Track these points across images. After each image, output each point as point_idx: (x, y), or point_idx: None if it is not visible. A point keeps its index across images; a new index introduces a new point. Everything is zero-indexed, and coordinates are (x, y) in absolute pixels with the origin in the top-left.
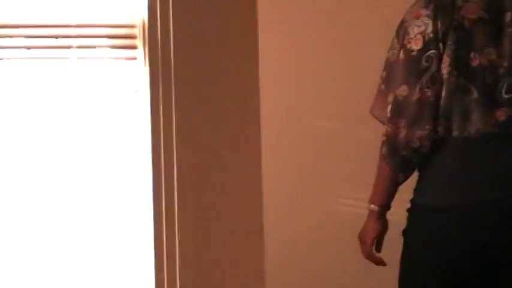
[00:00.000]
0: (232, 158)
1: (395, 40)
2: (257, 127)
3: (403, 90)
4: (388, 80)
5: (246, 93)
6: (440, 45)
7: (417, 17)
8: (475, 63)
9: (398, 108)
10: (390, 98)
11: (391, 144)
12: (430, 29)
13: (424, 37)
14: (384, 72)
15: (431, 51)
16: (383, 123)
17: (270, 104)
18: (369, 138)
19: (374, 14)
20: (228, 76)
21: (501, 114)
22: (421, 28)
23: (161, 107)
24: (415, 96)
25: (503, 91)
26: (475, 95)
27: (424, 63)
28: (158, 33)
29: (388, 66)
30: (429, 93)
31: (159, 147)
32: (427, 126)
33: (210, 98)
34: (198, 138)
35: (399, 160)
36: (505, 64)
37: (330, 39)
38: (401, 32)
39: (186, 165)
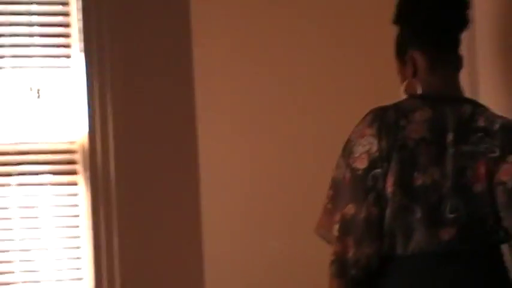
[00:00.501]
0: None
1: (342, 159)
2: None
3: (350, 209)
4: (334, 199)
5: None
6: (385, 164)
7: (362, 136)
8: (418, 182)
9: (346, 227)
10: (337, 217)
11: (340, 264)
12: (374, 148)
13: (369, 156)
14: (331, 191)
15: (376, 170)
16: (328, 243)
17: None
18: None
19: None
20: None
21: (445, 234)
22: (366, 147)
23: (103, 232)
24: (362, 214)
25: (447, 211)
26: (418, 214)
27: (369, 182)
28: (99, 158)
29: (335, 185)
30: (375, 212)
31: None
32: (375, 245)
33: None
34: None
35: (349, 279)
36: (448, 184)
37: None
38: (347, 151)
39: None
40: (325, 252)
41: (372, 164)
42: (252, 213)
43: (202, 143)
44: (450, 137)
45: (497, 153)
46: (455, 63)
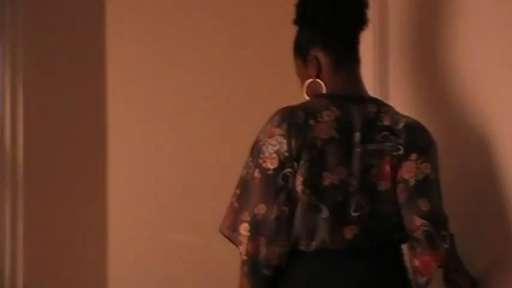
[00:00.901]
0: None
1: (250, 159)
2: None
3: (261, 209)
4: (242, 198)
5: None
6: (295, 163)
7: (271, 136)
8: (326, 182)
9: (258, 226)
10: (244, 216)
11: (252, 264)
12: (284, 148)
13: (279, 156)
14: (238, 190)
15: (286, 170)
16: (232, 242)
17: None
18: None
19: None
20: None
21: (348, 232)
22: (276, 147)
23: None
24: (274, 214)
25: (352, 209)
26: (324, 213)
27: (280, 182)
28: (7, 142)
29: (243, 184)
30: (286, 211)
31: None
32: (286, 243)
33: None
34: None
35: (261, 278)
36: (354, 183)
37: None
38: (256, 151)
39: None
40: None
41: (282, 164)
42: (159, 207)
43: (112, 135)
44: (357, 136)
45: (401, 152)
46: (357, 62)
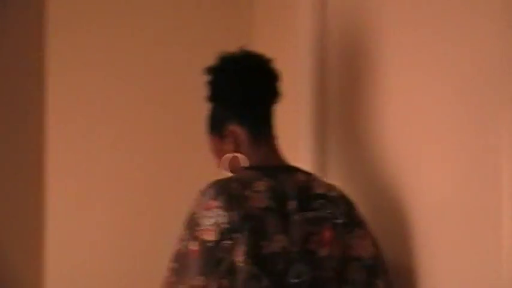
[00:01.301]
0: None
1: (186, 232)
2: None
3: (199, 281)
4: (179, 272)
5: None
6: (236, 235)
7: (208, 209)
8: (266, 251)
9: None
10: None
11: None
12: (224, 219)
13: (217, 228)
14: (175, 264)
15: (226, 242)
16: None
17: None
18: None
19: None
20: None
21: None
22: (213, 220)
23: None
24: (213, 287)
25: (292, 276)
26: (264, 282)
27: (220, 254)
28: None
29: (179, 258)
30: (226, 283)
31: None
32: None
33: None
34: None
35: None
36: (295, 250)
37: None
38: (192, 223)
39: None
40: None
41: (222, 236)
42: (97, 213)
43: (52, 141)
44: (293, 204)
45: (342, 220)
46: (274, 134)
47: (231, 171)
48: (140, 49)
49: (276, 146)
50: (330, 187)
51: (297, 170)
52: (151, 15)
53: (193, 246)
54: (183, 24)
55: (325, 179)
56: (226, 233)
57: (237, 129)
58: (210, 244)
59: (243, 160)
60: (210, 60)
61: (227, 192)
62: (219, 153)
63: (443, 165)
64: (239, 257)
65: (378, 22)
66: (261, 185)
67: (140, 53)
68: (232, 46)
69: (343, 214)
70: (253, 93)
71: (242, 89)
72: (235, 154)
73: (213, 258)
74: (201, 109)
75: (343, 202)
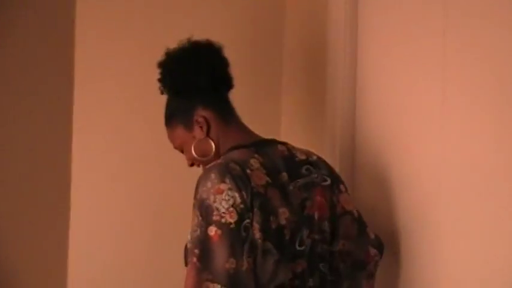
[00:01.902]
0: None
1: (199, 219)
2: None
3: (231, 263)
4: (203, 257)
5: None
6: (250, 213)
7: (220, 192)
8: (275, 225)
9: (233, 281)
10: (207, 275)
11: None
12: (238, 200)
13: (235, 209)
14: (197, 251)
15: (246, 221)
16: None
17: None
18: None
19: None
20: None
21: (298, 267)
22: (230, 201)
23: None
24: (244, 266)
25: (297, 244)
26: (275, 255)
27: (243, 234)
28: None
29: (200, 244)
30: (251, 262)
31: None
32: None
33: None
34: None
35: None
36: (296, 219)
37: None
38: (205, 210)
39: None
40: None
41: (241, 216)
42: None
43: (77, 141)
44: (284, 176)
45: (328, 182)
46: (238, 115)
47: (203, 156)
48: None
49: (245, 124)
50: (308, 152)
51: (275, 142)
52: (180, 15)
53: (213, 231)
54: (213, 22)
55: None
56: (244, 213)
57: (206, 114)
58: (232, 226)
59: (211, 144)
60: (245, 56)
61: (230, 173)
62: (186, 142)
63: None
64: (256, 235)
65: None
66: (255, 163)
67: None
68: (264, 43)
69: (327, 175)
70: (215, 78)
71: (206, 75)
72: (206, 138)
73: (238, 239)
74: None
75: (324, 164)
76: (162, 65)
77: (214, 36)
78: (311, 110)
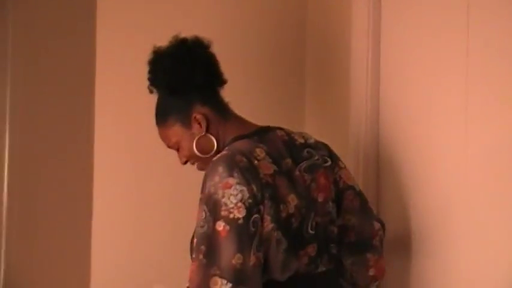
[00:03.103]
0: None
1: (207, 214)
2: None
3: (238, 259)
4: (210, 253)
5: None
6: (261, 207)
7: (229, 187)
8: (285, 213)
9: (238, 276)
10: (214, 271)
11: None
12: (247, 194)
13: (244, 204)
14: (203, 247)
15: (255, 216)
16: None
17: None
18: None
19: None
20: None
21: (312, 250)
22: (239, 196)
23: None
24: (251, 262)
25: (309, 228)
26: (284, 244)
27: (252, 229)
28: None
29: (207, 239)
30: (260, 257)
31: None
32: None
33: None
34: None
35: None
36: (304, 204)
37: None
38: (212, 205)
39: None
40: None
41: (250, 211)
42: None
43: (99, 135)
44: (288, 161)
45: (329, 163)
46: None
47: (204, 153)
48: None
49: (240, 116)
50: (304, 135)
51: (274, 128)
52: (202, 16)
53: (221, 226)
54: (237, 26)
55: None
56: (253, 207)
57: (204, 111)
58: (241, 221)
59: (211, 140)
60: (266, 54)
61: (237, 166)
62: (185, 140)
63: None
64: (268, 227)
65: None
66: (261, 152)
67: None
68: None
69: (327, 156)
70: (210, 74)
71: (201, 72)
72: (206, 134)
73: (246, 234)
74: (253, 106)
75: (321, 145)
76: (152, 63)
77: (237, 40)
78: (335, 114)
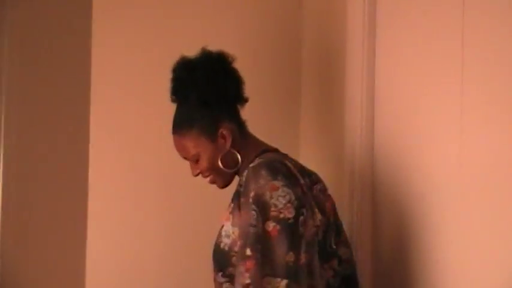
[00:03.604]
0: None
1: (256, 214)
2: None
3: (291, 256)
4: (264, 252)
5: None
6: (303, 209)
7: (275, 189)
8: (315, 223)
9: (294, 274)
10: (269, 270)
11: None
12: (293, 196)
13: (293, 205)
14: (258, 245)
15: (301, 217)
16: None
17: None
18: None
19: None
20: None
21: (335, 264)
22: (287, 198)
23: None
24: (302, 260)
25: (332, 243)
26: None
27: (300, 229)
28: None
29: (259, 239)
30: (308, 257)
31: None
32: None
33: None
34: None
35: None
36: (325, 220)
37: None
38: (264, 205)
39: None
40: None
41: (298, 212)
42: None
43: (94, 133)
44: (307, 180)
45: (328, 191)
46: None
47: (228, 168)
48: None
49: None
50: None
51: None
52: (195, 22)
53: (271, 226)
54: (230, 31)
55: None
56: (300, 209)
57: (231, 127)
58: (291, 221)
59: (236, 156)
60: (256, 55)
61: (280, 171)
62: (209, 152)
63: None
64: (311, 231)
65: None
66: (290, 164)
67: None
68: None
69: (324, 185)
70: (239, 90)
71: (232, 87)
72: (231, 150)
73: (296, 233)
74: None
75: (316, 175)
76: (180, 72)
77: (231, 44)
78: (329, 116)
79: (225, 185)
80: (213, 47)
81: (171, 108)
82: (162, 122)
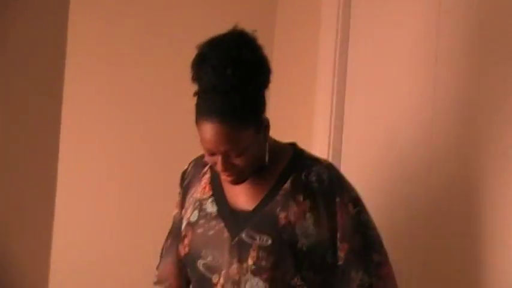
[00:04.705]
0: None
1: (369, 216)
2: None
3: (385, 251)
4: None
5: None
6: None
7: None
8: None
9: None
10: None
11: None
12: None
13: None
14: (383, 246)
15: None
16: None
17: None
18: None
19: None
20: None
21: None
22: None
23: None
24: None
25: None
26: None
27: None
28: None
29: (380, 236)
30: None
31: None
32: None
33: None
34: None
35: None
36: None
37: None
38: (362, 203)
39: None
40: None
41: None
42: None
43: (64, 135)
44: None
45: None
46: None
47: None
48: (159, 47)
49: None
50: None
51: None
52: (171, 17)
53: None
54: (203, 25)
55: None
56: None
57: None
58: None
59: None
60: None
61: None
62: (257, 145)
63: None
64: None
65: None
66: None
67: (159, 50)
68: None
69: None
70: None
71: (267, 75)
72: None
73: None
74: None
75: None
76: (248, 52)
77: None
78: (299, 111)
79: (244, 181)
80: (185, 42)
81: (141, 108)
82: (132, 120)
